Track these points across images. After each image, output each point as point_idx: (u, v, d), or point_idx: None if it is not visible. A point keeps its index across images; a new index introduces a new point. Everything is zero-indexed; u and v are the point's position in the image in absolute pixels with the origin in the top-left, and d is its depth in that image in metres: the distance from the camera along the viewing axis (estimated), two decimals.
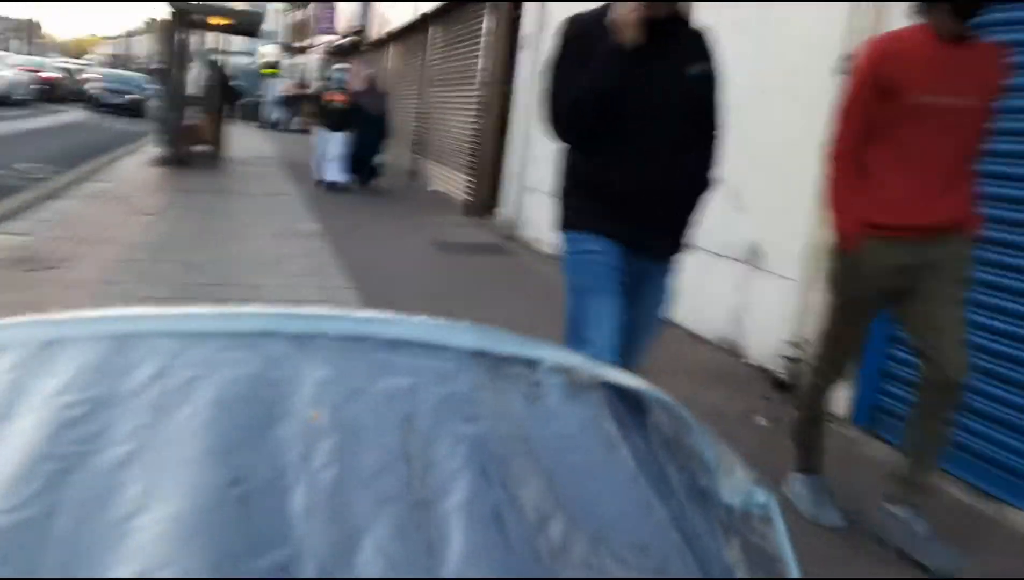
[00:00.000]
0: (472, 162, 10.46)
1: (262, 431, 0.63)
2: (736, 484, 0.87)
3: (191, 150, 14.09)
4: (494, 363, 0.78)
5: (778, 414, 3.87)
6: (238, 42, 52.61)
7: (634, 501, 0.69)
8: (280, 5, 47.97)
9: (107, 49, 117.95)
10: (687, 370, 4.49)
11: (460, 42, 11.82)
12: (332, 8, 28.30)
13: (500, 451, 0.67)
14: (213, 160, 13.33)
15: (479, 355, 0.79)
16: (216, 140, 14.17)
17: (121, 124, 19.59)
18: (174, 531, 0.52)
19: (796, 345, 4.08)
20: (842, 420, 3.77)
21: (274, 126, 28.94)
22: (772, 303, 4.48)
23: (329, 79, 12.08)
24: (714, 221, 4.96)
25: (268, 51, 47.15)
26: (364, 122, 11.20)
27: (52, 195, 8.84)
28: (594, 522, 0.64)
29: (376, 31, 19.52)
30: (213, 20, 14.22)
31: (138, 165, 12.54)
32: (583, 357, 0.86)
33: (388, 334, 0.79)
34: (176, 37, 13.22)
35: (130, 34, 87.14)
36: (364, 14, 23.27)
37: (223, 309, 0.83)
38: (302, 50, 40.44)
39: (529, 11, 8.46)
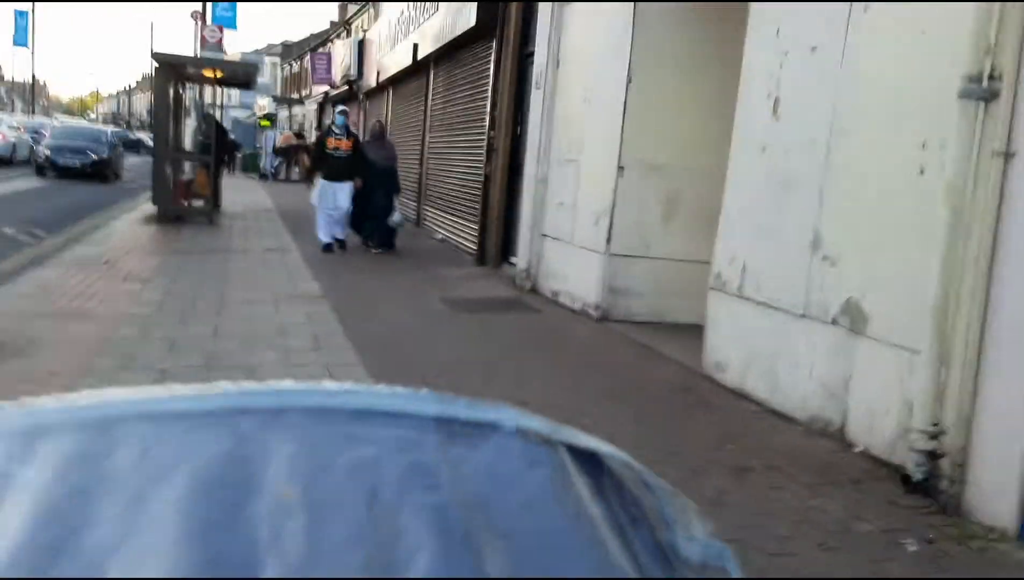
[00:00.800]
0: (480, 209, 9.88)
1: (235, 510, 0.64)
2: (694, 537, 0.88)
3: (187, 206, 13.60)
4: (455, 429, 0.80)
5: (928, 532, 3.02)
6: (236, 96, 52.91)
7: (596, 563, 0.70)
8: (275, 59, 48.20)
9: (109, 107, 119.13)
10: (783, 463, 3.71)
11: (464, 84, 11.34)
12: (327, 57, 28.10)
13: (462, 519, 0.68)
14: (210, 215, 12.79)
15: (440, 422, 0.81)
16: (213, 194, 13.67)
17: (82, 193, 16.57)
18: None
19: (934, 435, 3.23)
20: (1006, 535, 2.92)
21: (273, 177, 28.55)
22: (885, 378, 3.68)
23: (331, 124, 11.08)
24: (795, 273, 4.39)
25: (265, 104, 47.24)
26: (372, 175, 10.10)
27: (34, 262, 8.26)
28: None
29: (374, 78, 19.16)
30: (207, 72, 13.80)
31: (132, 224, 12.00)
32: (542, 419, 0.87)
33: (353, 405, 0.81)
34: (169, 90, 12.78)
35: (129, 91, 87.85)
36: (360, 62, 23.00)
37: (196, 388, 0.83)
38: (298, 101, 40.39)
39: (540, 49, 7.94)
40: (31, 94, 45.23)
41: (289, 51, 43.97)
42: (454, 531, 0.67)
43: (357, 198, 10.06)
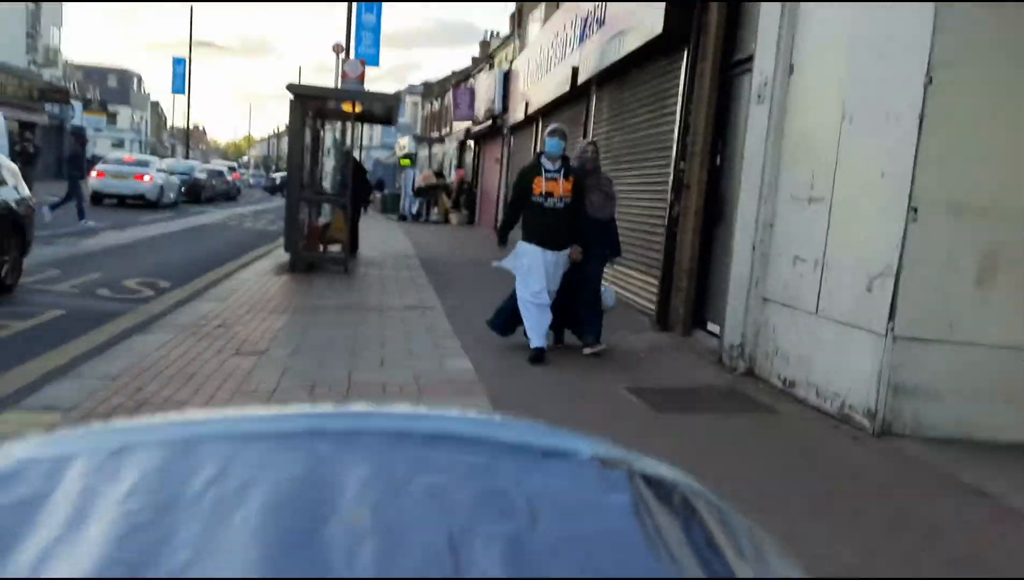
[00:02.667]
0: (663, 259, 7.96)
1: (308, 534, 0.64)
2: (774, 571, 0.84)
3: (322, 252, 12.43)
4: (531, 457, 0.79)
5: None
6: (377, 137, 53.64)
7: None
8: (416, 97, 48.37)
9: (260, 150, 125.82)
10: None
11: (639, 107, 9.48)
12: (470, 92, 27.12)
13: (535, 548, 0.66)
14: (345, 263, 11.51)
15: (516, 448, 0.80)
16: (350, 240, 12.45)
17: (221, 237, 16.54)
18: None
19: None
20: None
21: (412, 218, 27.76)
22: None
23: (537, 154, 6.67)
24: None
25: (405, 143, 47.37)
26: (586, 230, 6.45)
27: (141, 325, 7.01)
28: None
29: (521, 111, 17.70)
30: (346, 106, 12.65)
31: (260, 274, 10.84)
32: (617, 446, 0.85)
33: (427, 429, 0.80)
34: (305, 126, 11.67)
35: (279, 134, 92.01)
36: (505, 94, 21.73)
37: (275, 409, 0.83)
38: (438, 140, 39.99)
39: (763, 54, 5.99)
40: (186, 138, 47.22)
41: (430, 90, 43.86)
42: (527, 559, 0.65)
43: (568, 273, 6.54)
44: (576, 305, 6.69)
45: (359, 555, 0.62)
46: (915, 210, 4.38)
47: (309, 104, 11.91)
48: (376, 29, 26.93)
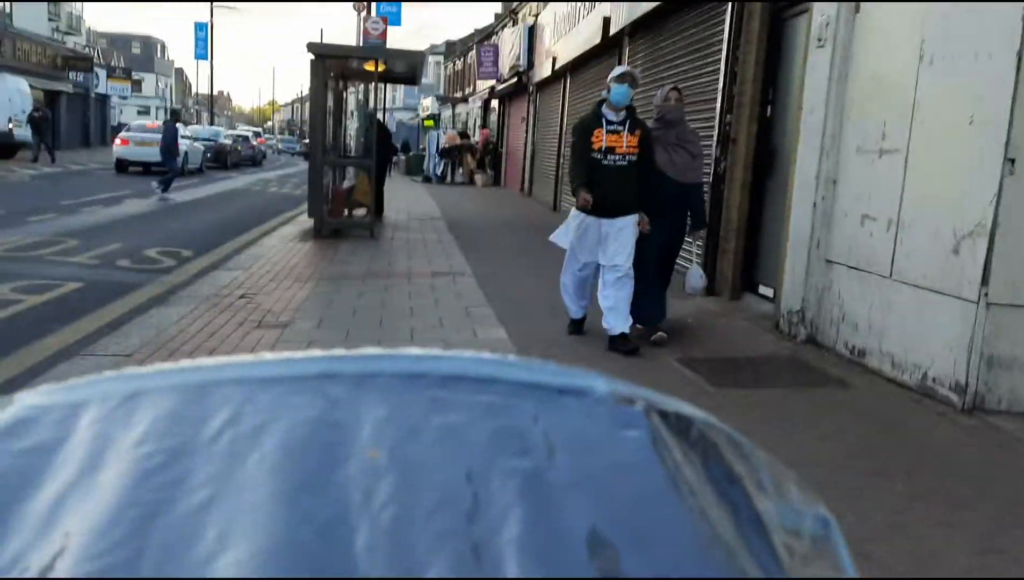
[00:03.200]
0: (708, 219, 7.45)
1: (326, 473, 0.64)
2: (795, 505, 0.84)
3: (347, 216, 12.06)
4: (546, 395, 0.78)
5: None
6: (399, 98, 52.93)
7: (692, 533, 0.68)
8: (438, 58, 47.53)
9: (285, 115, 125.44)
10: None
11: (679, 58, 8.89)
12: (494, 49, 26.41)
13: (553, 484, 0.67)
14: (371, 228, 11.12)
15: (531, 387, 0.79)
16: (376, 203, 12.05)
17: (243, 202, 16.45)
18: (251, 571, 0.56)
19: None
20: None
21: (437, 180, 27.30)
22: None
23: (599, 104, 5.48)
24: None
25: (428, 104, 46.64)
26: (661, 197, 5.37)
27: (162, 297, 6.69)
28: (653, 555, 0.64)
29: (548, 67, 17.07)
30: (368, 66, 12.16)
31: (285, 240, 10.50)
32: (633, 385, 0.83)
33: (442, 370, 0.80)
34: (327, 88, 11.22)
35: (303, 99, 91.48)
36: (530, 51, 21.05)
37: (287, 354, 0.82)
38: (462, 100, 39.26)
39: None
40: (210, 105, 46.89)
41: (452, 49, 43.04)
42: (545, 495, 0.65)
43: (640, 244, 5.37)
44: (648, 288, 5.49)
45: (376, 492, 0.62)
46: (1012, 161, 3.87)
47: (331, 64, 11.44)
48: None
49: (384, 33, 18.83)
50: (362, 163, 11.98)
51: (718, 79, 7.48)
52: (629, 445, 0.73)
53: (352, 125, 15.69)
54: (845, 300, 5.17)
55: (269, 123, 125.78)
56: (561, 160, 16.28)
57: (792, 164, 5.87)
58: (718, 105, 7.39)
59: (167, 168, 16.38)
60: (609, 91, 5.32)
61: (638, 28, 10.39)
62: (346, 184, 12.60)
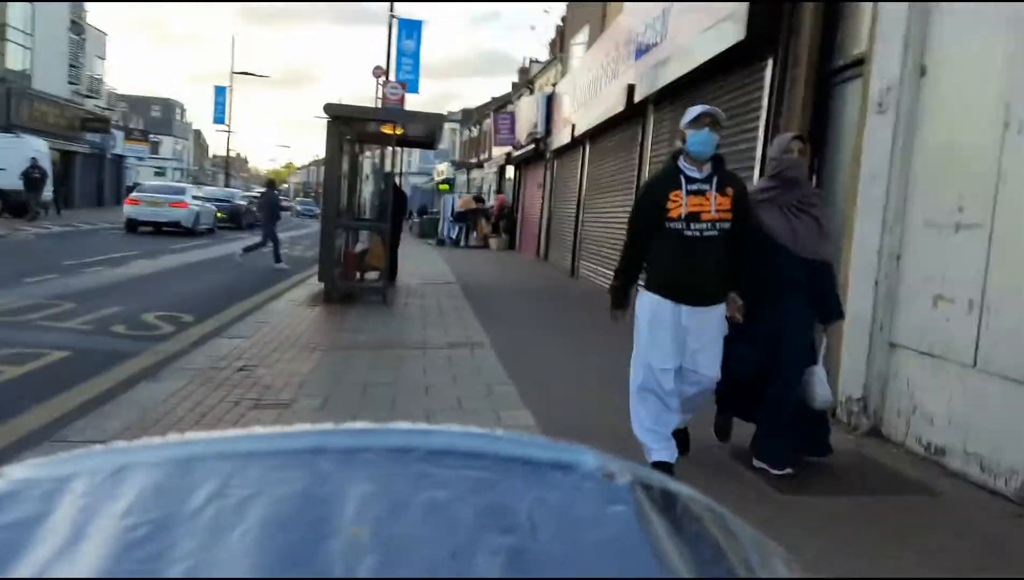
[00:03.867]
0: None
1: (309, 549, 0.64)
2: (778, 577, 0.84)
3: (359, 279, 11.59)
4: (534, 470, 0.78)
5: None
6: (415, 162, 53.30)
7: None
8: (454, 125, 47.94)
9: (301, 177, 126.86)
10: None
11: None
12: (511, 117, 26.39)
13: (536, 560, 0.66)
14: (384, 293, 10.63)
15: (519, 462, 0.80)
16: (389, 267, 11.60)
17: (251, 265, 15.00)
18: None
19: None
20: None
21: (452, 243, 27.02)
22: None
23: (676, 152, 4.24)
24: None
25: (444, 169, 46.86)
26: (790, 278, 4.16)
27: (153, 368, 6.16)
28: None
29: (567, 134, 16.81)
30: (387, 129, 11.86)
31: (292, 305, 10.01)
32: (620, 460, 0.84)
33: (430, 445, 0.80)
34: (342, 149, 10.88)
35: (319, 162, 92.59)
36: (548, 118, 20.93)
37: (276, 429, 0.83)
38: (477, 165, 39.34)
39: (886, 55, 4.99)
40: (226, 166, 47.22)
41: (468, 116, 43.38)
42: (529, 572, 0.64)
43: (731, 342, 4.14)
44: (767, 397, 4.19)
45: (358, 569, 0.62)
46: None
47: (348, 127, 11.14)
48: (415, 55, 26.40)
49: (402, 98, 18.74)
50: (377, 226, 11.56)
51: (755, 146, 7.05)
52: (615, 522, 0.73)
53: (367, 188, 15.38)
54: (916, 390, 4.59)
55: (285, 185, 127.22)
56: (579, 226, 15.89)
57: (846, 237, 5.35)
58: (755, 175, 6.93)
59: (264, 235, 15.54)
60: (685, 140, 4.08)
61: (665, 95, 10.04)
62: (359, 247, 12.18)
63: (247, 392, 5.43)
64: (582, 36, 22.06)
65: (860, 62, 5.60)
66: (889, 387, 4.85)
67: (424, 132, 12.96)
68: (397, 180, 14.71)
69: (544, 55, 32.94)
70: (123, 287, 11.20)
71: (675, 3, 9.41)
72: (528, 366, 6.75)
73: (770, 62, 6.87)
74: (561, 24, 26.64)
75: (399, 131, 11.59)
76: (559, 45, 26.43)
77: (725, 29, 7.32)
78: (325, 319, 9.06)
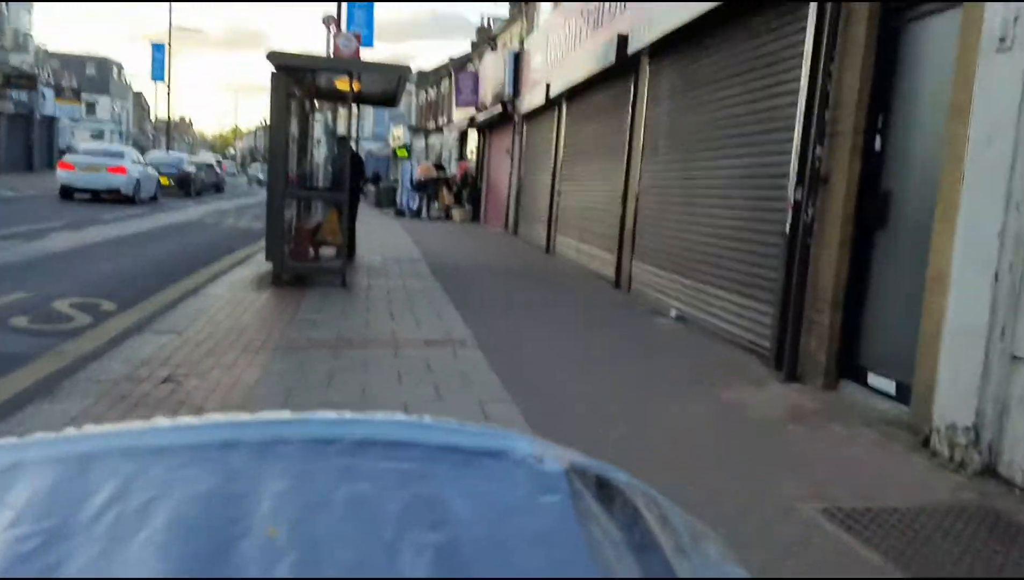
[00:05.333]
0: (784, 281, 5.80)
1: (220, 553, 0.60)
2: (711, 562, 0.82)
3: (313, 257, 10.20)
4: (463, 459, 0.76)
5: None
6: (368, 127, 51.24)
7: None
8: (409, 87, 45.98)
9: (248, 142, 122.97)
10: None
11: (729, 76, 7.24)
12: (474, 76, 24.87)
13: (467, 555, 0.64)
14: (342, 273, 9.29)
15: (448, 451, 0.77)
16: (348, 241, 10.23)
17: (194, 237, 14.22)
18: None
19: None
20: None
21: (412, 214, 25.58)
22: None
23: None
24: None
25: (400, 134, 44.93)
26: None
27: (50, 385, 4.79)
28: None
29: (540, 95, 15.45)
30: (341, 84, 10.41)
31: (236, 289, 8.62)
32: (553, 445, 0.83)
33: (352, 435, 0.76)
34: (290, 107, 9.42)
35: (266, 126, 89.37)
36: (516, 78, 19.53)
37: (182, 421, 0.79)
38: (436, 130, 37.65)
39: None
40: (167, 129, 44.64)
41: (425, 78, 41.52)
42: (458, 570, 0.61)
43: None
44: None
45: (274, 573, 0.57)
46: None
47: (296, 79, 9.66)
48: (369, 8, 24.62)
49: (357, 51, 17.14)
50: (332, 197, 10.15)
51: (796, 101, 5.85)
52: (547, 511, 0.70)
53: (319, 153, 13.90)
54: None
55: (231, 149, 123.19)
56: (555, 197, 14.63)
57: (942, 218, 4.21)
58: (796, 135, 5.76)
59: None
60: None
61: (666, 45, 8.77)
62: (312, 221, 10.76)
63: (180, 405, 4.12)
64: None
65: None
66: (1011, 413, 3.74)
67: (383, 87, 11.52)
68: (353, 145, 13.26)
69: (504, 13, 31.36)
70: (38, 265, 9.67)
71: None
72: (525, 371, 5.55)
73: (813, 4, 5.66)
74: None
75: (356, 86, 10.16)
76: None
77: None
78: (274, 307, 7.70)
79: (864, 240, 5.21)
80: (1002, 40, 3.81)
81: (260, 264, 10.24)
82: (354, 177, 10.57)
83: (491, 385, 5.14)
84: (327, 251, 10.55)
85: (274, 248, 9.11)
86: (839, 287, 5.29)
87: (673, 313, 8.04)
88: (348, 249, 10.25)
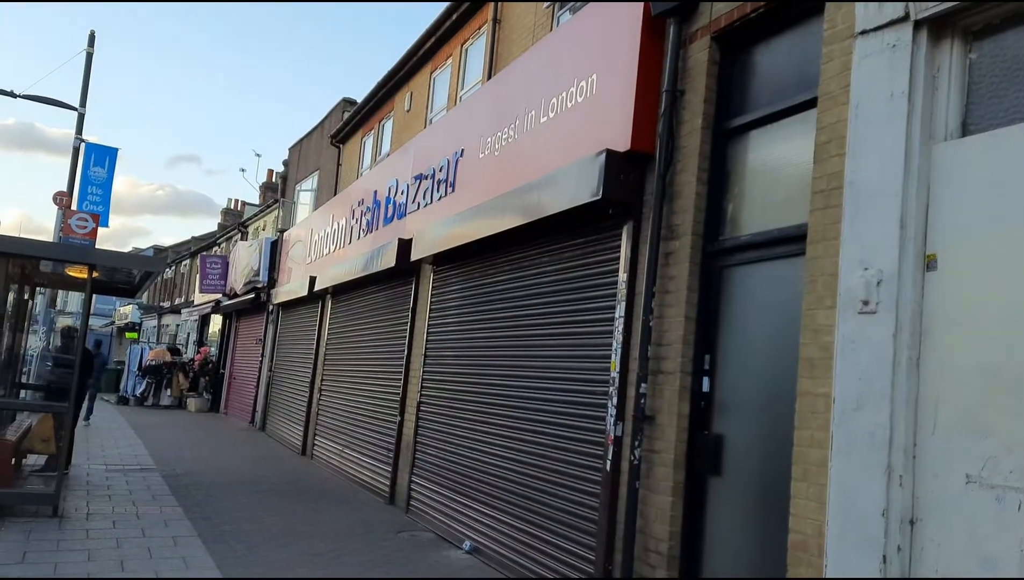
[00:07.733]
0: (608, 527, 5.25)
1: None
2: None
3: (15, 475, 8.11)
4: None
5: None
6: (92, 301, 46.50)
7: None
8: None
9: None
10: None
11: (531, 298, 6.90)
12: (223, 262, 23.43)
13: None
14: (54, 498, 7.40)
15: None
16: (66, 447, 8.33)
17: None
18: None
19: None
20: None
21: (138, 401, 22.75)
22: None
23: None
24: None
25: (126, 312, 41.05)
26: None
27: None
28: None
29: (297, 284, 14.57)
30: (75, 271, 8.89)
31: None
32: None
33: None
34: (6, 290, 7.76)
35: None
36: (271, 266, 18.57)
37: None
38: (171, 310, 34.79)
39: (868, 225, 3.80)
40: None
41: (163, 254, 38.87)
42: None
43: None
44: None
45: None
46: None
47: (13, 265, 8.05)
48: (107, 185, 22.64)
49: (94, 232, 15.31)
50: (51, 407, 8.32)
51: (613, 321, 5.60)
52: None
53: (34, 341, 11.76)
54: None
55: None
56: (315, 395, 13.49)
57: (800, 478, 3.92)
58: (615, 363, 5.45)
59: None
60: None
61: (452, 256, 8.45)
62: (12, 431, 8.67)
63: None
64: (310, 182, 20.36)
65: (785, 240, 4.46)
66: None
67: (126, 277, 10.06)
68: (67, 321, 11.38)
69: (254, 198, 30.57)
70: None
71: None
72: None
73: (625, 231, 5.59)
74: (284, 168, 24.69)
75: (96, 274, 8.70)
76: (280, 189, 24.39)
77: (565, 189, 5.95)
78: None
79: (695, 488, 4.84)
80: (865, 302, 3.71)
81: None
82: (82, 375, 8.84)
83: None
84: (34, 459, 8.53)
85: None
86: (674, 539, 4.82)
87: (467, 544, 7.18)
88: (63, 455, 8.32)
